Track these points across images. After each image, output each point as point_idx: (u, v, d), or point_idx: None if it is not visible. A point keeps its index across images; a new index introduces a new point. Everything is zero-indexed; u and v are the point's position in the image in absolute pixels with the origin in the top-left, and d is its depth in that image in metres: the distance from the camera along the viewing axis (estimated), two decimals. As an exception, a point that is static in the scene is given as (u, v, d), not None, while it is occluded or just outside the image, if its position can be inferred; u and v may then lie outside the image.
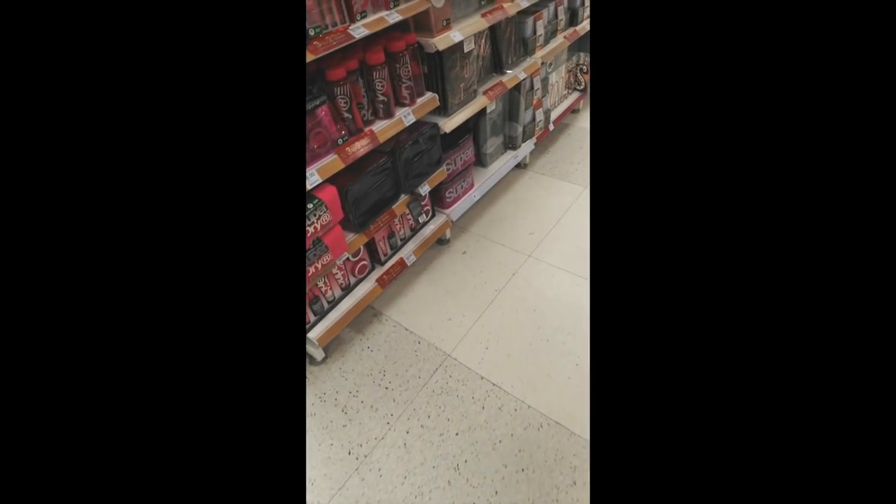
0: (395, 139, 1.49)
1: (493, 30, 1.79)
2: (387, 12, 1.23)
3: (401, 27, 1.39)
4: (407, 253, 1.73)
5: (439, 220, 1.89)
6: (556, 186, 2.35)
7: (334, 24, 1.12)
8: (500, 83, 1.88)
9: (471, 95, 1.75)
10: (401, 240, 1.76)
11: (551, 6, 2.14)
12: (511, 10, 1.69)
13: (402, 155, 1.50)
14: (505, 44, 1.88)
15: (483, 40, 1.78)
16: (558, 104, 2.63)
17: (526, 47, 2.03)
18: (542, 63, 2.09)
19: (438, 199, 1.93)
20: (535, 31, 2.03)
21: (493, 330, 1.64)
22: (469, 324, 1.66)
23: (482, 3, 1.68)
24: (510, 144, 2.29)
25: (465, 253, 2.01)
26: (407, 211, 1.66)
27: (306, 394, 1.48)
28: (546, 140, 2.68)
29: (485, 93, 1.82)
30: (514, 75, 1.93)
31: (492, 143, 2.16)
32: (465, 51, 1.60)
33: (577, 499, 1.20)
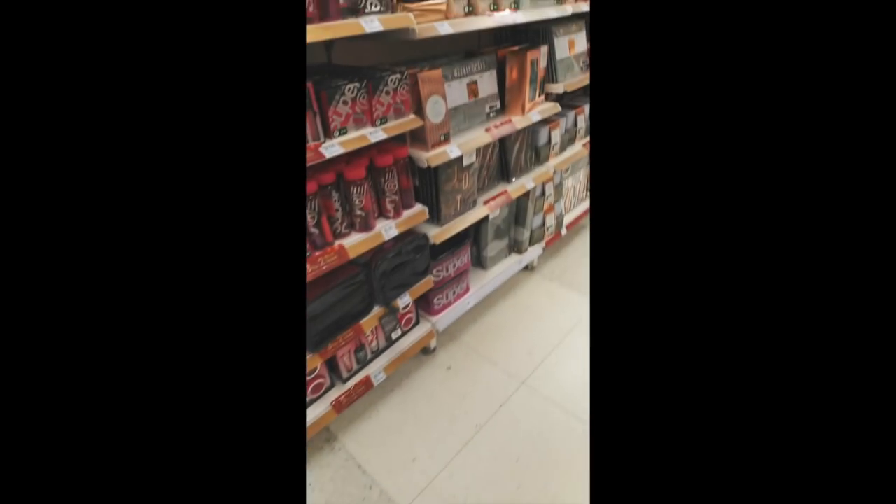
0: (379, 248, 1.36)
1: (501, 140, 1.71)
2: (371, 129, 1.15)
3: (394, 137, 1.31)
4: (376, 370, 1.52)
5: (422, 329, 1.70)
6: (564, 297, 2.14)
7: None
8: (505, 193, 1.76)
9: (469, 205, 1.62)
10: (372, 352, 1.57)
11: (570, 115, 2.08)
12: (520, 123, 1.61)
13: (378, 267, 1.36)
14: (514, 153, 1.79)
15: (489, 150, 1.70)
16: (574, 207, 2.50)
17: (538, 156, 1.93)
18: (556, 171, 1.98)
19: (425, 304, 1.75)
20: (549, 140, 1.94)
21: (463, 483, 1.36)
22: (436, 470, 1.40)
23: (490, 114, 1.61)
24: (515, 248, 2.14)
25: (449, 368, 1.78)
26: (378, 324, 1.48)
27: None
28: (559, 243, 2.51)
29: (486, 202, 1.69)
30: (520, 184, 1.82)
31: (494, 247, 2.01)
32: (465, 164, 1.50)
33: None
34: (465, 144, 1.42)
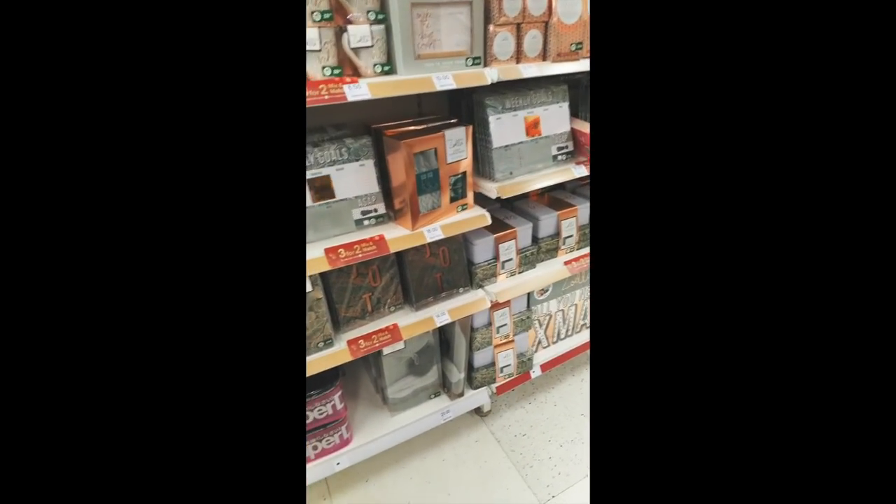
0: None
1: (398, 254, 1.17)
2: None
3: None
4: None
5: None
6: (505, 481, 1.43)
7: None
8: (393, 328, 1.19)
9: (314, 348, 1.10)
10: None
11: (547, 219, 1.42)
12: (400, 244, 1.05)
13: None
14: (418, 272, 1.22)
15: (377, 266, 1.16)
16: (563, 337, 1.76)
17: (472, 277, 1.32)
18: (496, 301, 1.33)
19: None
20: (496, 256, 1.32)
21: None
22: None
23: (366, 222, 1.08)
24: (446, 389, 1.52)
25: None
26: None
27: None
28: (527, 387, 1.79)
29: (353, 341, 1.15)
30: (426, 316, 1.23)
31: (404, 386, 1.43)
32: (286, 294, 1.00)
33: None
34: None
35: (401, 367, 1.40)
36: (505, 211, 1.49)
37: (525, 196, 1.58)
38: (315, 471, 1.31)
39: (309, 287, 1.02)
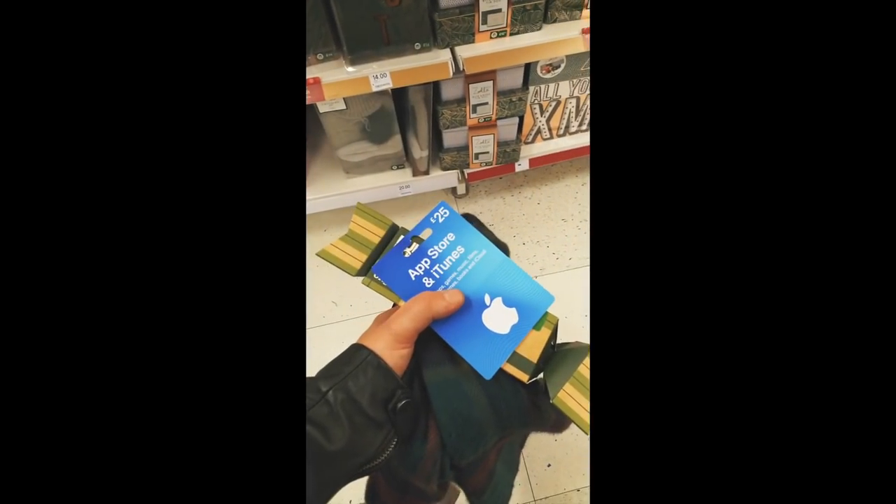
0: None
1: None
2: None
3: None
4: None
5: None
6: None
7: None
8: (313, 83, 0.92)
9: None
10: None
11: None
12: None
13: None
14: (353, 10, 0.83)
15: None
16: (574, 132, 1.39)
17: (434, 30, 0.90)
18: (464, 70, 0.96)
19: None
20: (473, 3, 0.86)
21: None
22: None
23: None
24: (411, 163, 1.35)
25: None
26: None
27: None
28: (507, 181, 1.56)
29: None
30: (361, 76, 0.93)
31: (356, 150, 1.28)
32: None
33: None
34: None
35: (351, 129, 1.21)
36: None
37: None
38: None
39: None
